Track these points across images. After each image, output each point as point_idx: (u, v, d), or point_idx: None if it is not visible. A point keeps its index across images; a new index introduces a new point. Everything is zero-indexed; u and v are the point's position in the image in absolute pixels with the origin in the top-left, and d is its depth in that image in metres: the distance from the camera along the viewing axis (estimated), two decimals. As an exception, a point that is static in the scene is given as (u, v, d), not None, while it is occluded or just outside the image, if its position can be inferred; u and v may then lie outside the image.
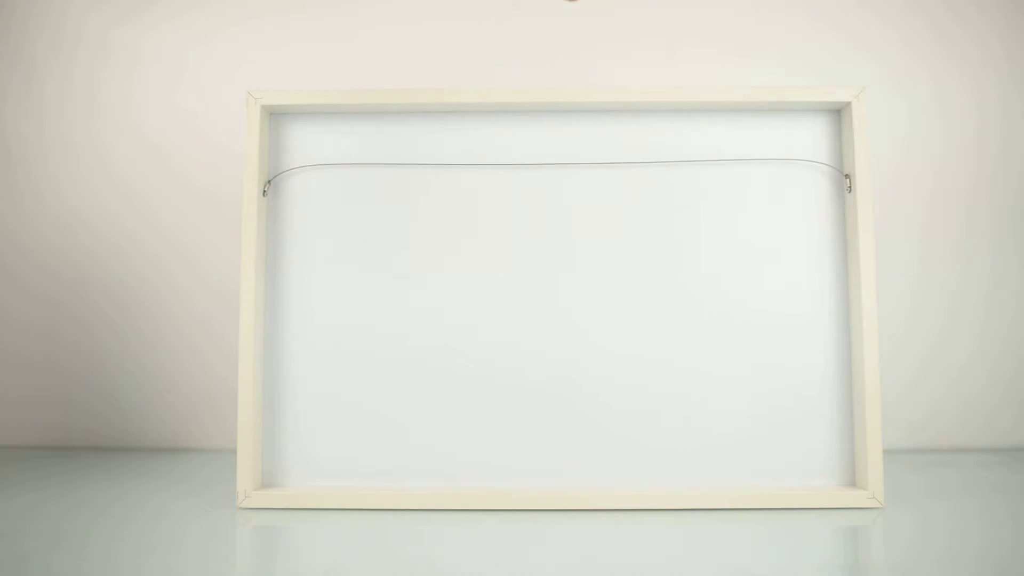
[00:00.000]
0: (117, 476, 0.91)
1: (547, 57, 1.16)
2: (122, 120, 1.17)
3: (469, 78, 1.15)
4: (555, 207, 0.79)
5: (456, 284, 0.78)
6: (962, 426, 1.13)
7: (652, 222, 0.78)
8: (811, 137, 0.79)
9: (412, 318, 0.78)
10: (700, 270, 0.78)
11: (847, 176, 0.77)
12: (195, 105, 1.17)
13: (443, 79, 1.15)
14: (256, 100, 0.76)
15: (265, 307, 0.78)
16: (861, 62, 1.16)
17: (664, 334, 0.77)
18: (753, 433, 0.77)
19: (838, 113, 0.79)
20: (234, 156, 1.13)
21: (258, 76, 1.15)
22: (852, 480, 0.76)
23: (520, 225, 0.78)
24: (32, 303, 1.16)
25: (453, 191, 0.79)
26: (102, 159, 1.17)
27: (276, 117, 0.79)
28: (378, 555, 0.60)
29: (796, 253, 0.78)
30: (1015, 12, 1.17)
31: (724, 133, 0.79)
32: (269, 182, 0.78)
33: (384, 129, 0.79)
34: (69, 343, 1.16)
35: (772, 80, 1.16)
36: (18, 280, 1.17)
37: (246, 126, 0.76)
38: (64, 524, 0.68)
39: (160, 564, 0.57)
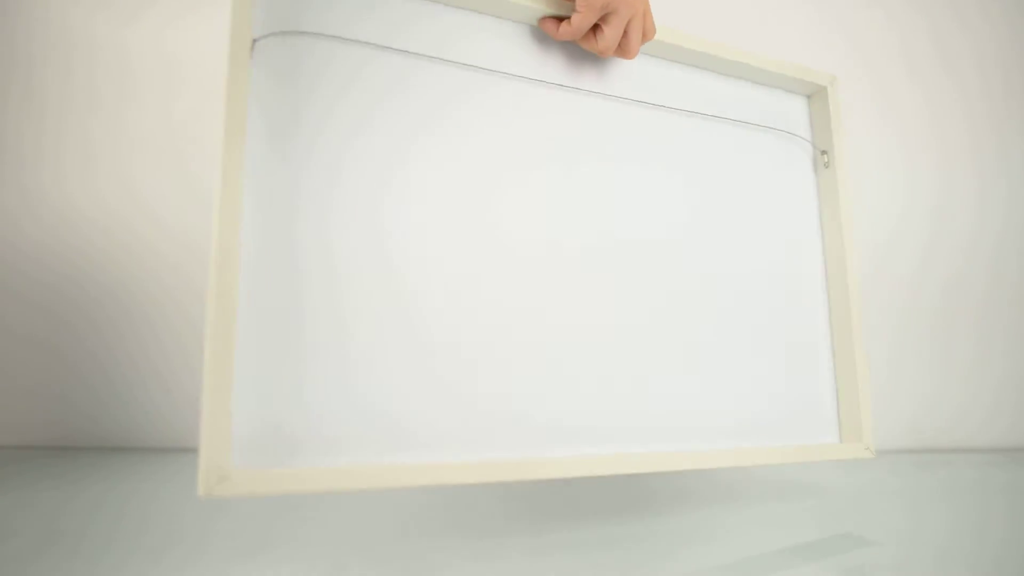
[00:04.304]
0: (115, 476, 0.91)
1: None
2: (116, 116, 1.16)
3: None
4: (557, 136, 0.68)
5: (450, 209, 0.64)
6: (963, 424, 1.14)
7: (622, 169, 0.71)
8: (787, 111, 0.79)
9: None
10: (682, 236, 0.73)
11: (824, 152, 0.77)
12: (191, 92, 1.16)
13: None
14: None
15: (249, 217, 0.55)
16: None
17: (651, 307, 0.70)
18: (747, 397, 0.73)
19: (813, 96, 0.80)
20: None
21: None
22: (842, 435, 0.75)
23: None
24: (31, 302, 1.16)
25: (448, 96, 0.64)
26: (98, 156, 1.16)
27: None
28: (378, 552, 0.60)
29: (775, 223, 0.76)
30: (1017, 14, 1.18)
31: (704, 88, 0.76)
32: (255, 41, 0.57)
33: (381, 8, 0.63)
34: (68, 342, 1.15)
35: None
36: (16, 278, 1.16)
37: None
38: (61, 523, 0.68)
39: (150, 558, 0.57)
